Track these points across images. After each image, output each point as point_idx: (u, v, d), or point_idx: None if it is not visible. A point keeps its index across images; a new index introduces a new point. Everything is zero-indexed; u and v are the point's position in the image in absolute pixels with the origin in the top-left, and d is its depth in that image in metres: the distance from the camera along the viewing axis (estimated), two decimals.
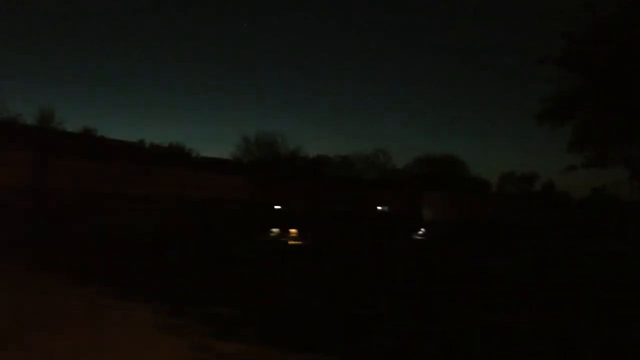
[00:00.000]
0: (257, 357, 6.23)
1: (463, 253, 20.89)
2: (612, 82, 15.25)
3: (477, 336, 7.55)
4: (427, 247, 25.24)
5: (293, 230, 26.97)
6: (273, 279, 11.98)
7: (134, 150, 32.19)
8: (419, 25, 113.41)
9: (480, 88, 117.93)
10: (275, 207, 33.84)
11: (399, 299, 10.14)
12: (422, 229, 33.44)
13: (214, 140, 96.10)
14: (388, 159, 64.14)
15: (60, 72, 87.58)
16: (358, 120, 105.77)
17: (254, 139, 52.03)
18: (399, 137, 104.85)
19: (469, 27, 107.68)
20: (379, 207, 36.92)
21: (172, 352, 6.20)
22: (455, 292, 10.94)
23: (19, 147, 22.40)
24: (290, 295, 10.14)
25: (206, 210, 24.81)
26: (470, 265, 15.91)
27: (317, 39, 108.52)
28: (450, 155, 67.05)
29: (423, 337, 7.45)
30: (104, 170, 24.39)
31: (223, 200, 26.47)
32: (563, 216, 53.46)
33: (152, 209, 22.55)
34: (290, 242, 22.94)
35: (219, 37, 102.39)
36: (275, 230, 26.77)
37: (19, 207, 19.66)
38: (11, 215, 18.98)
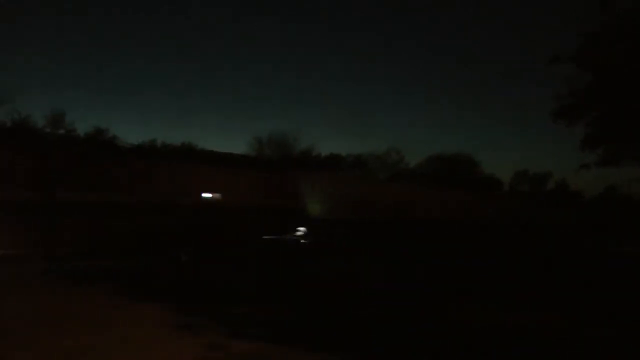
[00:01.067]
0: (272, 356, 6.21)
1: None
2: (627, 80, 15.15)
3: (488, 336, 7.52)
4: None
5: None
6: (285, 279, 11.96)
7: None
8: (432, 25, 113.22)
9: (493, 87, 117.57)
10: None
11: (409, 300, 10.12)
12: (302, 228, 25.96)
13: (226, 139, 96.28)
14: (401, 157, 64.11)
15: (70, 72, 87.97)
16: (371, 119, 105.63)
17: (267, 139, 52.12)
18: (412, 136, 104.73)
19: (482, 25, 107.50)
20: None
21: (187, 351, 6.19)
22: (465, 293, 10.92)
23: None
24: (303, 295, 10.13)
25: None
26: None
27: (330, 38, 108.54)
28: (462, 154, 66.92)
29: (435, 336, 7.43)
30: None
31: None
32: (564, 215, 53.08)
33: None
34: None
35: (231, 36, 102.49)
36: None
37: None
38: None
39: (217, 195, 25.21)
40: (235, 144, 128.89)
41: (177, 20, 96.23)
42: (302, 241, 21.42)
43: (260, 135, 52.73)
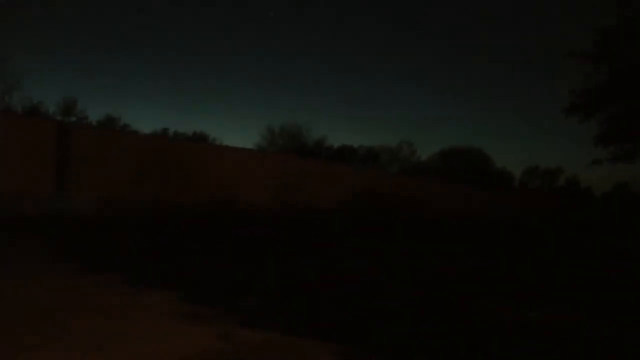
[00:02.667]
0: (283, 345, 6.22)
1: None
2: None
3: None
4: None
5: None
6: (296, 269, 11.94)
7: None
8: (445, 18, 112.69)
9: (505, 82, 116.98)
10: None
11: (423, 294, 10.09)
12: None
13: (238, 130, 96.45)
14: (413, 151, 64.08)
15: (82, 59, 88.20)
16: (382, 113, 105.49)
17: (279, 129, 52.17)
18: (424, 130, 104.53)
19: (496, 19, 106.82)
20: None
21: (196, 340, 6.20)
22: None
23: None
24: (315, 285, 10.12)
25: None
26: None
27: (343, 30, 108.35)
28: (474, 148, 66.79)
29: (448, 330, 7.41)
30: None
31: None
32: (575, 213, 52.62)
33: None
34: None
35: (244, 26, 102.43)
36: None
37: None
38: None
39: None
40: (246, 134, 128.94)
41: (191, 9, 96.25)
42: None
43: (273, 127, 52.82)
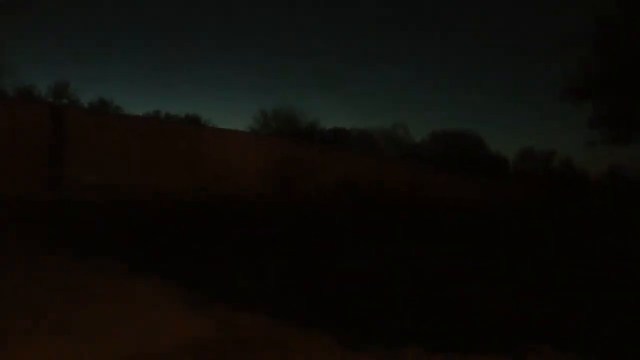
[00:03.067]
0: (278, 331, 6.23)
1: None
2: None
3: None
4: None
5: None
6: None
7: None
8: (438, 1, 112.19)
9: (499, 65, 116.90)
10: None
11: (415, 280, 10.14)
12: None
13: (231, 113, 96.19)
14: (407, 133, 64.03)
15: (74, 42, 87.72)
16: (377, 95, 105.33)
17: (272, 112, 52.05)
18: (418, 112, 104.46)
19: (489, 2, 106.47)
20: None
21: (190, 326, 6.20)
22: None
23: None
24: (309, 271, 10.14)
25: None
26: None
27: (336, 14, 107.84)
28: (468, 131, 66.75)
29: (440, 316, 7.47)
30: None
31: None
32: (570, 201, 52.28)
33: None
34: None
35: (235, 8, 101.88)
36: None
37: None
38: None
39: None
40: (240, 118, 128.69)
41: None
42: None
43: (266, 110, 52.70)
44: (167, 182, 21.78)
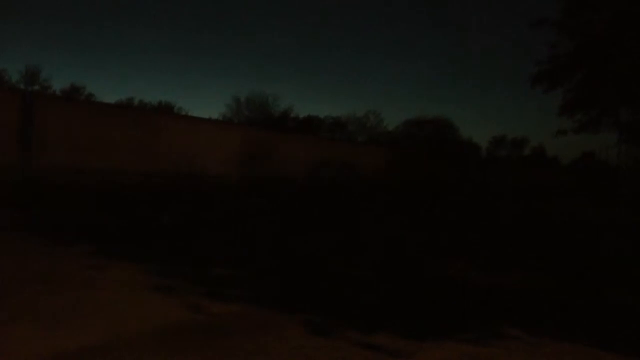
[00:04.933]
0: (250, 316, 6.22)
1: None
2: (609, 47, 15.17)
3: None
4: None
5: None
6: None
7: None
8: None
9: (471, 51, 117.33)
10: None
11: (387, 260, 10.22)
12: None
13: (204, 100, 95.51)
14: (379, 120, 64.06)
15: (47, 29, 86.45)
16: (350, 83, 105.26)
17: (245, 99, 51.78)
18: (391, 99, 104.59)
19: None
20: None
21: (165, 312, 6.16)
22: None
23: None
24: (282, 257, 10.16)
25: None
26: None
27: (309, 1, 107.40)
28: (441, 118, 66.87)
29: (410, 295, 7.55)
30: None
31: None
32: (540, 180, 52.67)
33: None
34: None
35: None
36: None
37: None
38: None
39: None
40: (213, 105, 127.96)
41: None
42: None
43: (239, 96, 52.42)
44: (134, 167, 21.60)
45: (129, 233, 12.04)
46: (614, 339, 5.89)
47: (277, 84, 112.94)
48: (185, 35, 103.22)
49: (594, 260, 11.16)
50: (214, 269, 8.78)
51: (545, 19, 16.17)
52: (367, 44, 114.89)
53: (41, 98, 20.51)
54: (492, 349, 5.47)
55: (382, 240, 12.86)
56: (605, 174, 48.43)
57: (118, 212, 15.04)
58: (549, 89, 17.62)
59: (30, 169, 18.40)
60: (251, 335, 5.49)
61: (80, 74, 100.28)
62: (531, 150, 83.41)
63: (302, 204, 21.16)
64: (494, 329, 6.12)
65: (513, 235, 14.89)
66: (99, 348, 4.87)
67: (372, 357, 5.06)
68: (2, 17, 71.43)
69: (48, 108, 19.53)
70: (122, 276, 7.94)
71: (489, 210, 23.33)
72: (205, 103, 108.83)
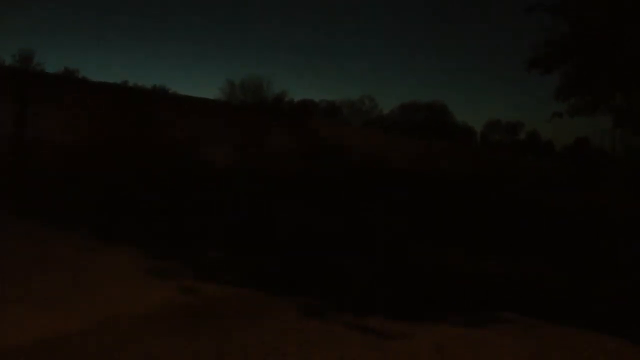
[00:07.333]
0: (243, 298, 6.22)
1: None
2: (606, 32, 15.10)
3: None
4: None
5: None
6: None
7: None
8: None
9: (467, 35, 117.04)
10: None
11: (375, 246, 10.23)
12: None
13: (198, 83, 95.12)
14: (374, 104, 64.03)
15: (41, 11, 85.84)
16: (345, 66, 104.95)
17: (239, 83, 51.55)
18: (386, 83, 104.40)
19: None
20: None
21: (158, 294, 6.14)
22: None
23: None
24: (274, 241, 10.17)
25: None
26: None
27: None
28: (436, 102, 66.98)
29: (398, 281, 7.58)
30: None
31: None
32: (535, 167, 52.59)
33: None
34: None
35: None
36: None
37: None
38: None
39: None
40: (207, 88, 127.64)
41: None
42: None
43: (233, 79, 52.22)
44: (130, 150, 21.45)
45: (123, 215, 12.01)
46: (606, 322, 5.93)
47: (271, 67, 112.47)
48: (179, 19, 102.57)
49: (591, 249, 11.22)
50: (209, 252, 8.77)
51: (541, 3, 16.04)
52: (362, 28, 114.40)
53: (36, 80, 20.28)
54: (484, 331, 5.51)
55: (372, 226, 12.84)
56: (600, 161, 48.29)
57: (113, 195, 14.98)
58: (545, 73, 17.55)
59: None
60: (245, 318, 5.49)
61: (74, 57, 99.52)
62: (526, 135, 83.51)
63: (298, 190, 21.13)
64: (488, 313, 6.16)
65: (511, 223, 14.90)
66: (91, 331, 4.87)
67: (365, 339, 5.08)
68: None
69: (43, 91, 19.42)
70: (117, 260, 7.91)
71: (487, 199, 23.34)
72: (198, 86, 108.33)
